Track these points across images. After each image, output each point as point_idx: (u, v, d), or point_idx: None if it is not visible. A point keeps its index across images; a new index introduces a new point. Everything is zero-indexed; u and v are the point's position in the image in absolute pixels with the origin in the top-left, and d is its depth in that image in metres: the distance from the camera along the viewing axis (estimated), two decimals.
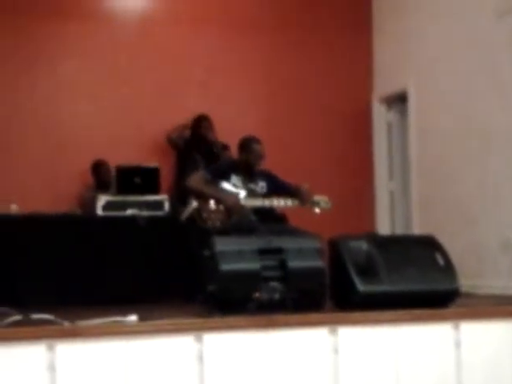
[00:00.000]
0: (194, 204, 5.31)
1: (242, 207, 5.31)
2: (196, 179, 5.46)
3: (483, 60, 6.29)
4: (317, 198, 5.53)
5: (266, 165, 5.72)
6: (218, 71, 7.51)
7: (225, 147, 6.97)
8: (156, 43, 7.43)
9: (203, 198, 5.32)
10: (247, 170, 5.55)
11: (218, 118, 7.11)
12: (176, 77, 7.37)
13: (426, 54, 7.10)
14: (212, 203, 5.30)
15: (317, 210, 5.52)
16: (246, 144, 5.55)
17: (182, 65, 7.42)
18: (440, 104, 6.89)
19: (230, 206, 5.28)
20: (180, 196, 6.18)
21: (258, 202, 5.41)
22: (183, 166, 6.91)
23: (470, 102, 6.46)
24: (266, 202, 5.43)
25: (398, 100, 7.69)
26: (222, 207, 5.29)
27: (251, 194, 5.46)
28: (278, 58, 7.70)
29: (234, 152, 6.29)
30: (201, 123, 7.09)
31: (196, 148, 7.02)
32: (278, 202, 5.46)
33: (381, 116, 7.96)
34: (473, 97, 6.42)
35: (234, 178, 5.50)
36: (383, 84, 7.88)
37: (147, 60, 7.34)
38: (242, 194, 5.45)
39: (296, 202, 5.47)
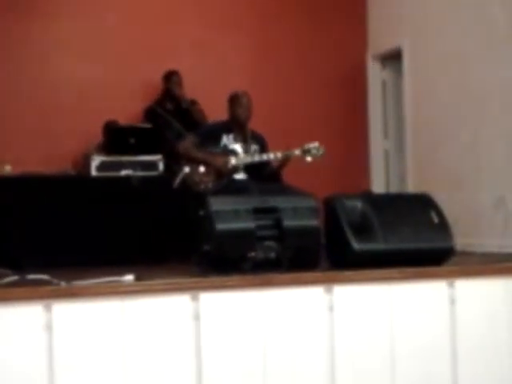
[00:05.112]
0: (186, 169, 5.35)
1: (232, 168, 5.35)
2: (185, 144, 5.53)
3: (478, 18, 6.24)
4: (307, 145, 5.40)
5: (259, 124, 5.70)
6: (211, 29, 7.43)
7: (193, 102, 6.90)
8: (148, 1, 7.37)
9: (194, 163, 5.35)
10: (239, 127, 5.53)
11: (211, 76, 7.09)
12: (168, 35, 7.29)
13: (421, 11, 7.03)
14: (202, 167, 5.34)
15: (308, 159, 5.39)
16: (234, 98, 5.58)
17: (174, 22, 7.33)
18: (435, 62, 6.85)
19: (220, 167, 5.32)
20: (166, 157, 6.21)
21: (248, 158, 5.42)
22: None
23: (464, 59, 6.43)
24: (256, 158, 5.44)
25: (393, 58, 7.63)
26: (212, 170, 5.33)
27: (244, 151, 5.48)
28: (272, 17, 7.62)
29: (207, 109, 6.45)
30: (171, 78, 7.00)
31: (166, 106, 6.95)
32: (268, 156, 5.45)
33: (375, 74, 7.90)
34: (468, 55, 6.37)
35: (225, 138, 5.50)
36: (378, 41, 7.81)
37: (140, 18, 7.26)
38: (239, 150, 5.47)
39: (286, 154, 5.41)
